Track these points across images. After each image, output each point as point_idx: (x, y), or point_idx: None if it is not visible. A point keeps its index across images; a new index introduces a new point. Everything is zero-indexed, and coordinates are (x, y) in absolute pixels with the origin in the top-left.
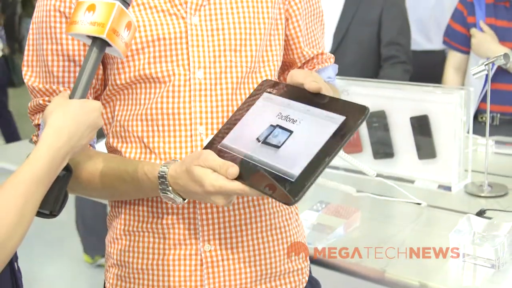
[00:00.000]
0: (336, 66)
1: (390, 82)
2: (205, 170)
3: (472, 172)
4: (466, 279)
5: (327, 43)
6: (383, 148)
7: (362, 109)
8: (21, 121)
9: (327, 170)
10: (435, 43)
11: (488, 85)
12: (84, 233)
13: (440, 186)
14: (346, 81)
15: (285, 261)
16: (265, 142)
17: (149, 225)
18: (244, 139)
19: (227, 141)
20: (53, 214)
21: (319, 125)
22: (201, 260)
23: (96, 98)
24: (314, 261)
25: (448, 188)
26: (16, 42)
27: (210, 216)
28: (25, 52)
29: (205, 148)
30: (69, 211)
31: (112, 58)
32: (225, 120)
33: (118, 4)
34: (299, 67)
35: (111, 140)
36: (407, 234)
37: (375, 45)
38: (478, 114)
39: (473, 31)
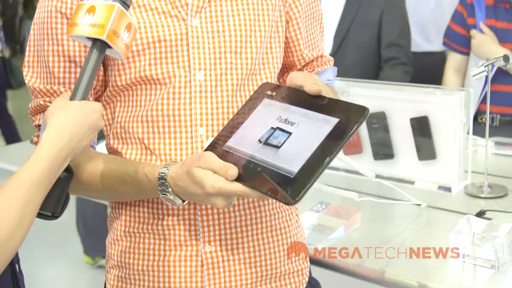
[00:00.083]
0: (335, 68)
1: (390, 83)
2: (205, 171)
3: (472, 173)
4: (465, 279)
5: (328, 44)
6: (383, 149)
7: (362, 109)
8: (21, 122)
9: (327, 171)
10: (435, 45)
11: (488, 87)
12: (84, 234)
13: (440, 187)
14: (346, 83)
15: (285, 262)
16: (265, 144)
17: (149, 227)
18: (244, 141)
19: (228, 143)
20: (54, 215)
21: (318, 127)
22: (202, 261)
23: (97, 99)
24: (314, 261)
25: (448, 189)
26: (17, 43)
27: (210, 217)
28: (26, 53)
29: (206, 150)
30: (70, 212)
31: (112, 60)
32: (225, 121)
33: (118, 5)
34: (299, 70)
35: (111, 141)
36: (407, 235)
37: (375, 46)
38: (478, 115)
39: (473, 32)
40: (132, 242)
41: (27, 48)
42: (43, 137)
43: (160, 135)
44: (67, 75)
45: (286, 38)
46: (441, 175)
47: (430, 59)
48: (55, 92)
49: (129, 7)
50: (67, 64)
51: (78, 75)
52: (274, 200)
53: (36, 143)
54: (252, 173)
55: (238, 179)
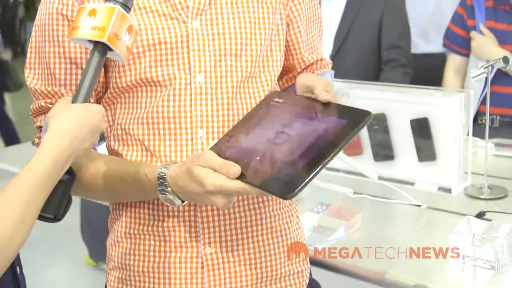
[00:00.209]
0: (333, 71)
1: (390, 85)
2: (205, 169)
3: (472, 174)
4: (465, 280)
5: (328, 46)
6: (384, 151)
7: (365, 113)
8: (22, 124)
9: (328, 172)
10: (435, 46)
11: (487, 88)
12: (89, 237)
13: (440, 188)
14: (346, 84)
15: (285, 263)
16: (267, 142)
17: (150, 228)
18: (246, 140)
19: (229, 143)
20: (57, 218)
21: (320, 128)
22: (202, 263)
23: (98, 100)
24: (314, 262)
25: (448, 190)
26: (18, 45)
27: (211, 219)
28: (28, 55)
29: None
30: (71, 214)
31: (113, 61)
32: (225, 123)
33: (119, 8)
34: (299, 73)
35: (112, 143)
36: (407, 236)
37: (376, 48)
38: (478, 116)
39: (473, 34)
40: (132, 243)
41: (29, 50)
42: (45, 139)
43: (161, 137)
44: (68, 76)
45: (287, 41)
46: (441, 176)
47: (430, 61)
48: (56, 94)
49: (130, 9)
50: (68, 66)
51: (79, 76)
52: (274, 202)
53: (37, 144)
54: (252, 171)
55: (238, 176)
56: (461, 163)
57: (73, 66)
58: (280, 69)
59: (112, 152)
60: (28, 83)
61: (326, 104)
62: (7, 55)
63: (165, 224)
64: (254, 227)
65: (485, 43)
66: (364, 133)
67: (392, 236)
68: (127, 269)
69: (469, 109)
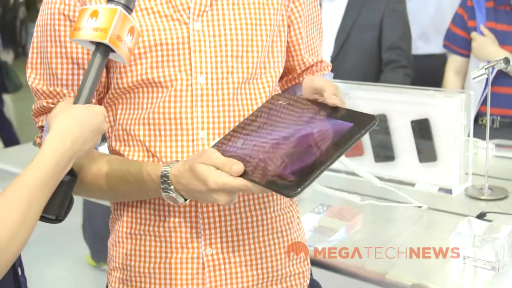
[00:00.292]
0: (332, 74)
1: (391, 86)
2: (208, 167)
3: (473, 175)
4: (466, 281)
5: (329, 47)
6: (384, 152)
7: (370, 118)
8: (22, 126)
9: (329, 173)
10: (436, 47)
11: (488, 89)
12: (92, 238)
13: (440, 189)
14: (347, 85)
15: (286, 264)
16: (270, 142)
17: (151, 228)
18: (249, 142)
19: (233, 142)
20: (58, 219)
21: (327, 131)
22: (203, 263)
23: (99, 101)
24: (315, 263)
25: (449, 191)
26: (19, 46)
27: (212, 220)
28: (30, 55)
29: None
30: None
31: (115, 62)
32: (227, 125)
33: (120, 9)
34: (299, 74)
35: (113, 143)
36: (408, 237)
37: (376, 49)
38: (478, 117)
39: (474, 34)
40: (133, 244)
41: (30, 50)
42: (47, 140)
43: (162, 138)
44: (70, 77)
45: (288, 42)
46: (441, 177)
47: (431, 62)
48: (58, 94)
49: (132, 11)
50: (70, 66)
51: (81, 77)
52: (275, 203)
53: (39, 144)
54: (255, 168)
55: (241, 174)
56: (462, 164)
57: (75, 66)
58: (281, 70)
59: (113, 152)
60: (29, 83)
61: (330, 107)
62: (8, 57)
63: (166, 225)
64: (255, 228)
65: (485, 44)
66: None
67: (393, 237)
68: (128, 269)
69: (470, 110)
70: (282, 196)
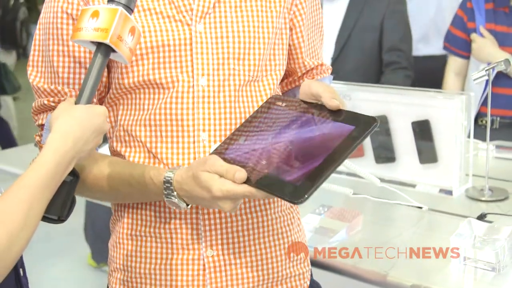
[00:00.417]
0: (332, 76)
1: (391, 87)
2: (212, 175)
3: (473, 177)
4: (467, 282)
5: (329, 49)
6: (385, 153)
7: (372, 120)
8: (23, 126)
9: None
10: (436, 49)
11: (489, 90)
12: (93, 239)
13: (441, 190)
14: (348, 86)
15: (287, 265)
16: (273, 146)
17: (152, 230)
18: (251, 146)
19: (234, 147)
20: (61, 219)
21: (329, 134)
22: (204, 265)
23: (100, 100)
24: (315, 263)
25: (449, 192)
26: (20, 47)
27: (213, 221)
28: (31, 52)
29: (212, 154)
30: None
31: (116, 62)
32: (228, 127)
33: (121, 9)
34: (299, 77)
35: (114, 144)
36: (409, 238)
37: (377, 51)
38: (478, 118)
39: (474, 36)
40: (134, 245)
41: (32, 48)
42: (48, 140)
43: (163, 139)
44: (71, 75)
45: (289, 45)
46: (442, 178)
47: (431, 63)
48: (59, 92)
49: (132, 11)
50: (72, 64)
51: (82, 75)
52: (276, 204)
53: (38, 142)
54: (258, 174)
55: (245, 181)
56: (462, 165)
57: (77, 65)
58: (282, 73)
59: (114, 153)
60: (30, 80)
61: (331, 110)
62: (11, 58)
63: (167, 226)
64: (255, 229)
65: (485, 45)
66: None
67: (393, 237)
68: (129, 270)
69: (470, 111)
70: None
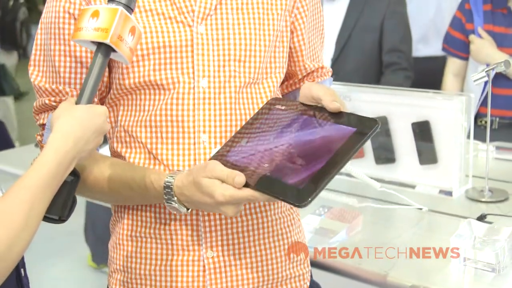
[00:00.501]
0: (332, 79)
1: (391, 88)
2: (213, 181)
3: (473, 178)
4: (467, 283)
5: (330, 50)
6: (385, 154)
7: (373, 122)
8: (24, 127)
9: None
10: (436, 50)
11: (489, 92)
12: (94, 241)
13: (441, 191)
14: (348, 88)
15: (287, 267)
16: (276, 149)
17: (152, 231)
18: (252, 149)
19: (235, 150)
20: (61, 219)
21: (330, 136)
22: (204, 266)
23: (101, 100)
24: (315, 264)
25: (449, 193)
26: (20, 48)
27: (213, 223)
28: (33, 52)
29: (212, 158)
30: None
31: (117, 62)
32: (228, 128)
33: (121, 9)
34: (300, 80)
35: (115, 144)
36: (409, 238)
37: (377, 52)
38: (477, 118)
39: (472, 37)
40: (134, 246)
41: (34, 47)
42: (49, 140)
43: (163, 141)
44: (73, 75)
45: (290, 48)
46: (442, 179)
47: (431, 64)
48: (61, 92)
49: (133, 10)
50: (73, 64)
51: (84, 75)
52: (276, 206)
53: (39, 141)
54: (261, 177)
55: (247, 184)
56: (462, 166)
57: (78, 64)
58: (283, 75)
59: (115, 154)
60: (32, 80)
61: (331, 112)
62: (12, 59)
63: (167, 227)
64: (255, 231)
65: (484, 47)
66: None
67: (393, 238)
68: (129, 271)
69: (470, 112)
70: None
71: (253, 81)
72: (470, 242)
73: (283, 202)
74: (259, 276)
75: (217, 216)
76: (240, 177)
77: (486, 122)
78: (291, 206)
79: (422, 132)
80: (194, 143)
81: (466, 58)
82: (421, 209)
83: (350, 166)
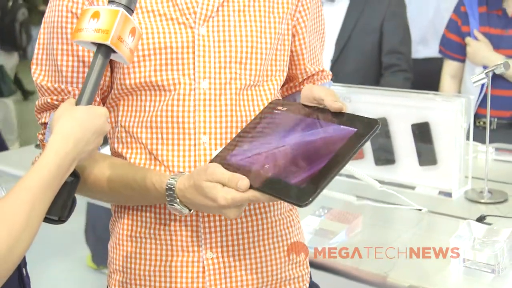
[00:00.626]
0: (331, 82)
1: (391, 89)
2: (214, 184)
3: (472, 179)
4: (466, 284)
5: (329, 51)
6: (385, 155)
7: (373, 122)
8: (24, 128)
9: None
10: (435, 51)
11: (488, 93)
12: (94, 242)
13: (440, 192)
14: (348, 89)
15: (286, 268)
16: (276, 152)
17: (151, 231)
18: (253, 150)
19: (236, 152)
20: (61, 220)
21: (331, 137)
22: (203, 267)
23: (103, 99)
24: (314, 264)
25: (449, 194)
26: (20, 49)
27: (212, 224)
28: (35, 51)
29: (213, 160)
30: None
31: (119, 62)
32: (229, 130)
33: (122, 11)
34: (300, 83)
35: (115, 145)
36: (408, 239)
37: (377, 53)
38: (475, 119)
39: (468, 39)
40: (134, 246)
41: (36, 46)
42: (49, 142)
43: (164, 142)
44: (75, 74)
45: (291, 51)
46: (441, 180)
47: (430, 65)
48: (63, 91)
49: (133, 11)
50: (76, 63)
51: (86, 74)
52: (276, 207)
53: (41, 141)
54: (262, 178)
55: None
56: (462, 167)
57: (81, 64)
58: (283, 78)
59: (115, 154)
60: (34, 79)
61: (332, 112)
62: (12, 60)
63: (167, 228)
64: (255, 232)
65: (480, 49)
66: None
67: (393, 239)
68: (128, 272)
69: (470, 113)
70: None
71: (254, 83)
72: (470, 243)
73: (283, 204)
74: (258, 277)
75: (217, 217)
76: (244, 181)
77: (484, 122)
78: (291, 207)
79: (422, 133)
80: (195, 145)
81: (462, 60)
82: (420, 210)
83: (351, 166)
